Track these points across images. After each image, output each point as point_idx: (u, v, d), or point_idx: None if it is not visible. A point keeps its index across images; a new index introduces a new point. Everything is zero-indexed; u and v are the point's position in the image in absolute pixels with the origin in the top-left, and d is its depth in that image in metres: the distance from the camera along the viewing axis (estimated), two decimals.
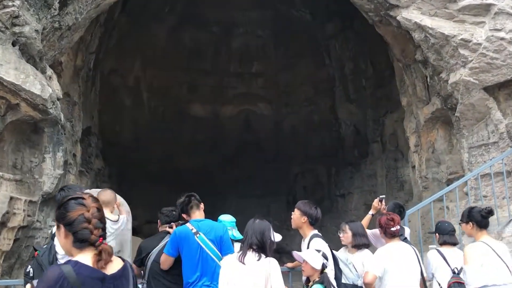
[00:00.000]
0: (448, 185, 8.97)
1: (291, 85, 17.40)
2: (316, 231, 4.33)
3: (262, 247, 3.61)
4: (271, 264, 3.59)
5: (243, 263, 3.54)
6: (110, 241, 4.45)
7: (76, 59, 9.51)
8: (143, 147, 15.91)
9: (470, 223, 4.45)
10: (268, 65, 17.45)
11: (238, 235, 4.90)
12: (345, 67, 15.71)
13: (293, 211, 4.42)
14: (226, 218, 5.14)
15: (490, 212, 4.43)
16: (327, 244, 4.11)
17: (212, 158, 17.24)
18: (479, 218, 4.40)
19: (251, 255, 3.59)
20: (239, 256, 3.61)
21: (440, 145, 9.65)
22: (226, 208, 16.42)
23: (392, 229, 4.42)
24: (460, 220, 4.70)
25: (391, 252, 4.38)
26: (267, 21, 16.83)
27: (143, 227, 15.05)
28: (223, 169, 17.41)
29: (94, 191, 5.70)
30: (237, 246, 4.62)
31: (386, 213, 4.71)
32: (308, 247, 4.11)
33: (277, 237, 3.83)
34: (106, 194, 4.70)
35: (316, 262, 3.73)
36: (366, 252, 4.79)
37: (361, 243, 4.83)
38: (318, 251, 3.84)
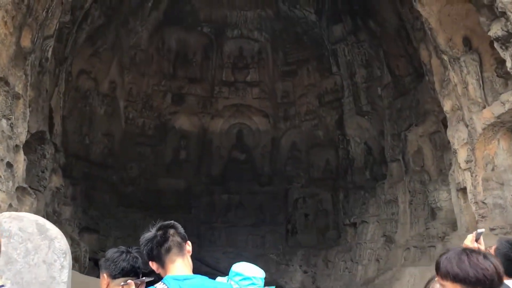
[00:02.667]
0: None
1: (291, 96, 15.92)
2: None
3: None
4: None
5: None
6: None
7: (20, 36, 7.15)
8: (117, 164, 14.28)
9: None
10: (265, 72, 16.15)
11: None
12: (356, 74, 13.85)
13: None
14: (253, 273, 2.77)
15: None
16: None
17: (198, 180, 15.88)
18: None
19: None
20: None
21: (503, 160, 7.49)
22: (214, 239, 14.74)
23: None
24: None
25: None
26: (265, 22, 15.54)
27: None
28: (210, 193, 15.97)
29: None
30: None
31: None
32: None
33: None
34: None
35: None
36: None
37: None
38: None
